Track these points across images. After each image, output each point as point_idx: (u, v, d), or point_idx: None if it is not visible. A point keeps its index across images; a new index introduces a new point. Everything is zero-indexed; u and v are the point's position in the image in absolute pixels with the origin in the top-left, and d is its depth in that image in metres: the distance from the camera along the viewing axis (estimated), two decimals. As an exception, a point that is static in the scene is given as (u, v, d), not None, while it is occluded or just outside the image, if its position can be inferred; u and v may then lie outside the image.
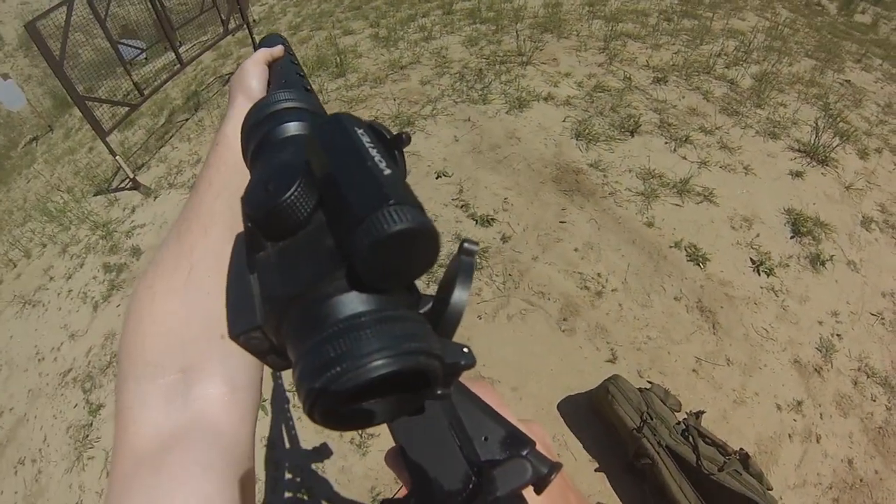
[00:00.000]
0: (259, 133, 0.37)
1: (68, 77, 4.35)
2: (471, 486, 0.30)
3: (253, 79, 0.59)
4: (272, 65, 0.63)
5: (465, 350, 0.28)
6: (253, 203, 0.27)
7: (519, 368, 2.49)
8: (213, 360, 0.42)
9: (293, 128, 0.36)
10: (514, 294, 2.78)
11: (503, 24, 5.84)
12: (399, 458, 0.33)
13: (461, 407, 0.33)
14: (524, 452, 0.31)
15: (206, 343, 0.42)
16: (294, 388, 0.25)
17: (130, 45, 7.32)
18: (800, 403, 2.40)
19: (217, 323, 0.41)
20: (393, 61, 5.34)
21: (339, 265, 0.24)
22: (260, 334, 0.26)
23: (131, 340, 0.42)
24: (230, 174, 0.51)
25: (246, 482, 0.39)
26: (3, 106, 8.07)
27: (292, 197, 0.26)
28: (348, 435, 2.31)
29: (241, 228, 0.29)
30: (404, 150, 0.32)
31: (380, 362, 0.21)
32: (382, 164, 0.24)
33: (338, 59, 5.52)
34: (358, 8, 7.89)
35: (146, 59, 8.16)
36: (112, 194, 4.97)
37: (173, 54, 6.12)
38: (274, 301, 0.25)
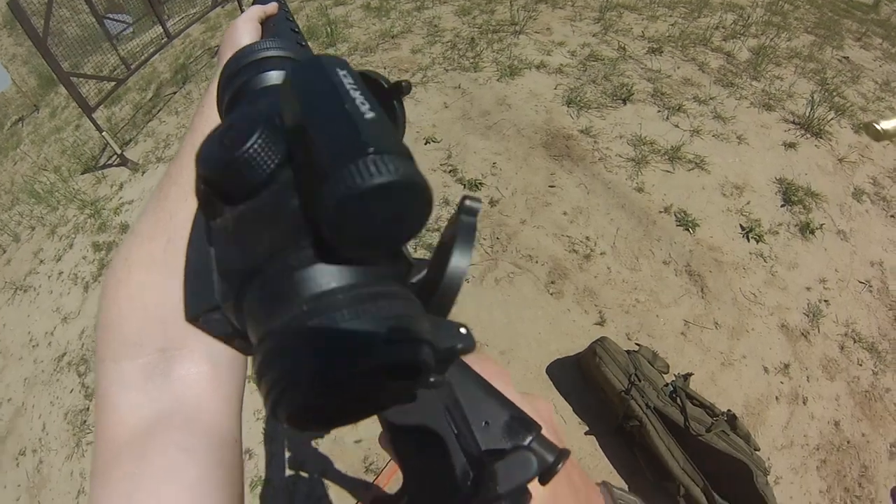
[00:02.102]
0: (236, 83, 0.32)
1: (53, 54, 4.26)
2: (469, 481, 0.27)
3: (244, 36, 0.56)
4: (265, 22, 0.59)
5: (463, 331, 0.25)
6: (205, 158, 0.22)
7: (507, 332, 2.47)
8: (193, 337, 0.39)
9: (275, 77, 0.31)
10: (502, 257, 2.76)
11: (497, -7, 5.77)
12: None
13: (460, 387, 0.30)
14: (528, 440, 0.28)
15: None
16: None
17: (117, 20, 7.18)
18: (787, 366, 2.40)
19: None
20: (384, 31, 5.27)
21: (306, 231, 0.20)
22: (220, 315, 0.23)
23: (108, 317, 0.40)
24: None
25: (232, 463, 0.37)
26: None
27: (251, 149, 0.21)
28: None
29: None
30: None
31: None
32: (365, 107, 0.20)
33: (328, 29, 5.43)
34: (350, -22, 7.78)
35: (133, 33, 7.94)
36: (99, 172, 4.88)
37: (161, 28, 6.01)
38: (231, 276, 0.22)
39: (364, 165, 0.17)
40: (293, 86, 0.23)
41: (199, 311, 0.24)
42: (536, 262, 2.72)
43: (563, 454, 0.28)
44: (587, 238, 2.82)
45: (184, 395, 0.37)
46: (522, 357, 2.38)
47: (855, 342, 2.55)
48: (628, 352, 2.15)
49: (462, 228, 0.24)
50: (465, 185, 3.13)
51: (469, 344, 0.25)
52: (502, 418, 0.29)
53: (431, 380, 0.23)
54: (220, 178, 0.22)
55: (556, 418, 2.04)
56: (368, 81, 0.26)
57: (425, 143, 3.52)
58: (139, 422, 0.35)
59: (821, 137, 3.57)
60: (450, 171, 3.25)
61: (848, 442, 2.23)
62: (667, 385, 2.08)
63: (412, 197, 0.18)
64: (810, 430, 2.24)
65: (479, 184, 3.13)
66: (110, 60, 6.42)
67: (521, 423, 0.29)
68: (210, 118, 0.50)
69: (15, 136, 7.61)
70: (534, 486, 0.27)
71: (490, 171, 3.24)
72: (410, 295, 0.22)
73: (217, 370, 0.39)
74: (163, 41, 5.93)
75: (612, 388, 2.05)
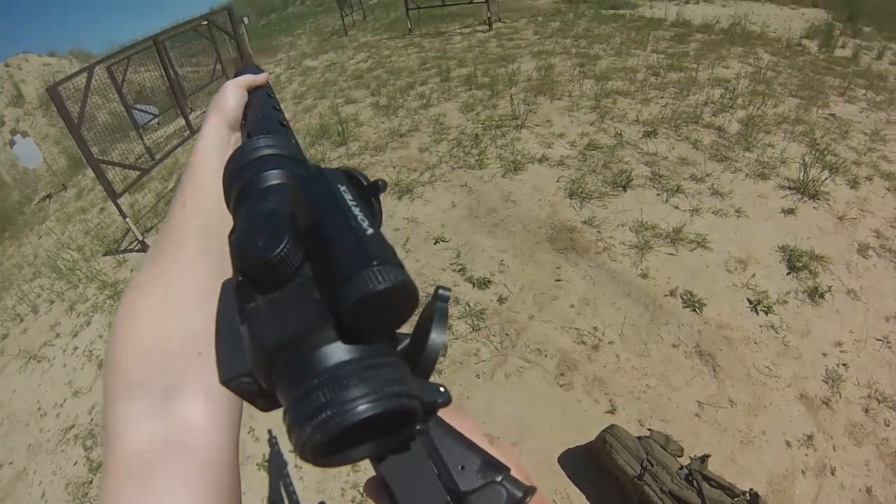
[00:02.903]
0: (240, 180, 0.37)
1: (85, 139, 4.55)
2: None
3: (231, 99, 0.63)
4: (252, 92, 0.68)
5: (442, 389, 0.30)
6: (244, 257, 0.28)
7: (518, 424, 2.53)
8: (192, 377, 0.43)
9: (275, 175, 0.37)
10: (512, 353, 2.85)
11: (498, 88, 6.14)
12: (379, 488, 0.35)
13: (438, 438, 0.35)
14: (499, 479, 0.32)
15: (185, 360, 0.44)
16: (291, 449, 0.29)
17: (144, 111, 7.68)
18: (810, 438, 2.38)
19: (195, 341, 0.44)
20: (393, 129, 5.61)
21: (326, 318, 0.25)
22: (250, 380, 0.28)
23: (114, 362, 0.44)
24: (202, 196, 0.53)
25: (230, 494, 0.41)
26: (20, 163, 8.37)
27: (282, 253, 0.27)
28: (350, 494, 2.38)
29: (214, 249, 0.34)
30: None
31: (364, 406, 0.23)
32: (365, 224, 0.26)
33: (340, 127, 5.81)
34: (360, 77, 8.35)
35: (158, 124, 8.46)
36: (121, 255, 5.09)
37: (184, 120, 6.46)
38: (265, 350, 0.27)
39: (373, 274, 0.23)
40: (305, 197, 0.30)
41: (232, 376, 0.28)
42: (545, 355, 2.81)
43: (530, 490, 0.32)
44: (595, 328, 2.91)
45: (184, 429, 0.41)
46: (534, 448, 2.43)
47: (879, 402, 2.52)
48: (639, 438, 2.19)
49: (437, 312, 0.30)
50: (473, 283, 3.28)
51: (446, 399, 0.30)
52: (476, 462, 0.34)
53: (418, 427, 0.29)
54: (256, 274, 0.28)
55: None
56: (350, 179, 0.32)
57: (435, 243, 3.71)
58: (143, 453, 0.39)
59: (818, 199, 3.66)
60: (459, 271, 3.42)
61: (881, 508, 2.19)
62: (682, 468, 2.10)
63: (405, 296, 0.25)
64: (841, 501, 2.20)
65: (488, 282, 3.28)
66: (136, 148, 6.85)
67: (492, 465, 0.34)
68: (198, 179, 0.55)
69: (42, 211, 7.96)
70: None
71: (498, 268, 3.39)
72: (402, 364, 0.28)
73: (214, 406, 0.44)
74: (185, 133, 6.31)
75: (624, 475, 2.09)
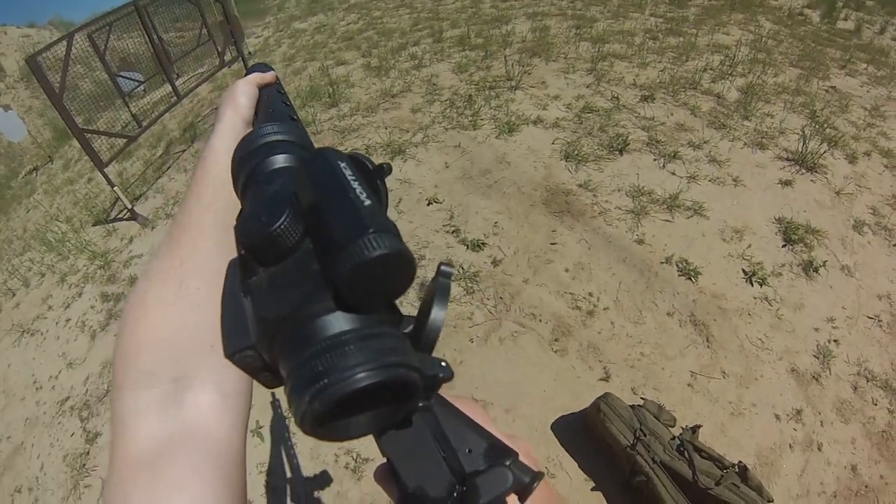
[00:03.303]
0: (248, 165, 0.39)
1: (68, 110, 4.43)
2: (455, 494, 0.31)
3: (243, 96, 0.62)
4: (262, 89, 0.67)
5: (443, 364, 0.30)
6: (246, 232, 0.29)
7: (512, 390, 2.49)
8: (204, 369, 0.43)
9: (281, 160, 0.38)
10: (506, 317, 2.80)
11: (492, 49, 5.97)
12: (388, 473, 0.34)
13: (445, 422, 0.34)
14: (507, 463, 0.32)
15: (198, 353, 0.44)
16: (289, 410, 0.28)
17: (129, 78, 7.49)
18: (799, 412, 2.38)
19: (207, 333, 0.44)
20: (384, 90, 5.46)
21: (325, 288, 0.26)
22: (253, 353, 0.28)
23: (125, 350, 0.44)
24: (218, 188, 0.53)
25: (238, 485, 0.41)
26: (4, 136, 8.12)
27: (282, 226, 0.28)
28: (343, 460, 2.34)
29: (229, 242, 0.31)
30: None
31: (362, 374, 0.23)
32: (363, 196, 0.27)
33: (330, 89, 5.64)
34: (350, 38, 8.11)
35: (144, 91, 8.31)
36: (110, 224, 5.01)
37: (170, 87, 6.23)
38: (266, 322, 0.27)
39: (367, 241, 0.23)
40: (307, 175, 0.30)
41: (236, 349, 0.29)
42: (540, 320, 2.76)
43: (538, 475, 0.32)
44: (590, 294, 2.86)
45: (195, 420, 0.41)
46: (527, 414, 2.40)
47: (868, 381, 2.53)
48: (633, 406, 2.16)
49: (439, 288, 0.30)
50: (467, 245, 3.20)
51: (448, 374, 0.30)
52: (483, 446, 0.33)
53: (420, 404, 0.29)
54: (258, 248, 0.29)
55: (562, 474, 2.04)
56: (356, 163, 0.32)
57: (428, 204, 3.61)
58: (154, 444, 0.39)
59: (816, 171, 3.62)
60: (452, 232, 3.33)
61: (866, 486, 2.19)
62: (674, 438, 2.08)
63: (401, 263, 0.25)
64: (826, 477, 2.21)
65: (482, 244, 3.20)
66: (122, 116, 6.67)
67: (500, 450, 0.33)
68: (213, 171, 0.54)
69: (29, 184, 7.82)
70: None
71: (492, 230, 3.31)
72: (401, 335, 0.28)
73: (225, 399, 0.44)
74: (172, 100, 6.14)
75: (617, 444, 2.07)
